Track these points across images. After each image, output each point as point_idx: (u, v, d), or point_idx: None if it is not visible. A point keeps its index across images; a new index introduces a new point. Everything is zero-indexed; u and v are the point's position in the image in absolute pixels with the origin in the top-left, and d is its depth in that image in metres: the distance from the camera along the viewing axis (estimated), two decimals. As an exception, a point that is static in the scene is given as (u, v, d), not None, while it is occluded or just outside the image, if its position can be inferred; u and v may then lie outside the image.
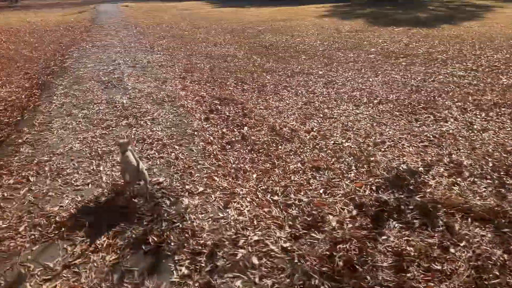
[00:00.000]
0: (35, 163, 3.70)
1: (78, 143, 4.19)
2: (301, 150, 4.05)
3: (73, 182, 3.35)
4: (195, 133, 4.51)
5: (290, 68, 8.15)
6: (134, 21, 17.88)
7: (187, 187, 3.25)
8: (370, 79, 7.15)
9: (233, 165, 3.68)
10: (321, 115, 5.21)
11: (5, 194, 3.14)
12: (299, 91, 6.37)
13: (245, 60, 9.14)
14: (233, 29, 14.91)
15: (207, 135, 4.44)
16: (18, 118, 5.09)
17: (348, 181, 3.41)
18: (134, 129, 4.62)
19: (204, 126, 4.79)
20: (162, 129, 4.64)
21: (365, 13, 20.94)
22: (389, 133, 4.49)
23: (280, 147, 4.15)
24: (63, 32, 14.19)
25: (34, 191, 3.20)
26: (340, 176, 3.50)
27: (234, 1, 32.14)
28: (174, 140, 4.26)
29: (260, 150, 4.05)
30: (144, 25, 16.04)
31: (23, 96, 6.19)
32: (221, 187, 3.26)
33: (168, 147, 4.10)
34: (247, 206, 3.02)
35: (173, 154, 3.92)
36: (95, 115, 5.10)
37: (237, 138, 4.37)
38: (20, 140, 4.23)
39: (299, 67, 8.30)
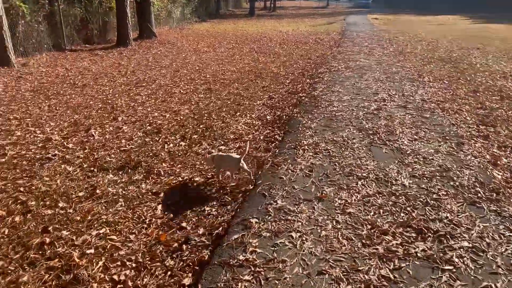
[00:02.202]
0: None
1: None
2: None
3: None
4: None
5: None
6: (387, 36, 15.60)
7: None
8: None
9: None
10: None
11: None
12: None
13: None
14: (521, 55, 10.88)
15: None
16: (247, 187, 3.44)
17: None
18: (436, 283, 2.26)
19: None
20: (507, 297, 2.12)
21: None
22: None
23: None
24: (312, 46, 13.11)
25: None
26: None
27: (498, 12, 25.83)
28: None
29: None
30: (400, 42, 13.56)
31: (261, 137, 4.69)
32: None
33: None
34: None
35: None
36: (362, 212, 2.96)
37: None
38: (233, 261, 2.41)
39: None
